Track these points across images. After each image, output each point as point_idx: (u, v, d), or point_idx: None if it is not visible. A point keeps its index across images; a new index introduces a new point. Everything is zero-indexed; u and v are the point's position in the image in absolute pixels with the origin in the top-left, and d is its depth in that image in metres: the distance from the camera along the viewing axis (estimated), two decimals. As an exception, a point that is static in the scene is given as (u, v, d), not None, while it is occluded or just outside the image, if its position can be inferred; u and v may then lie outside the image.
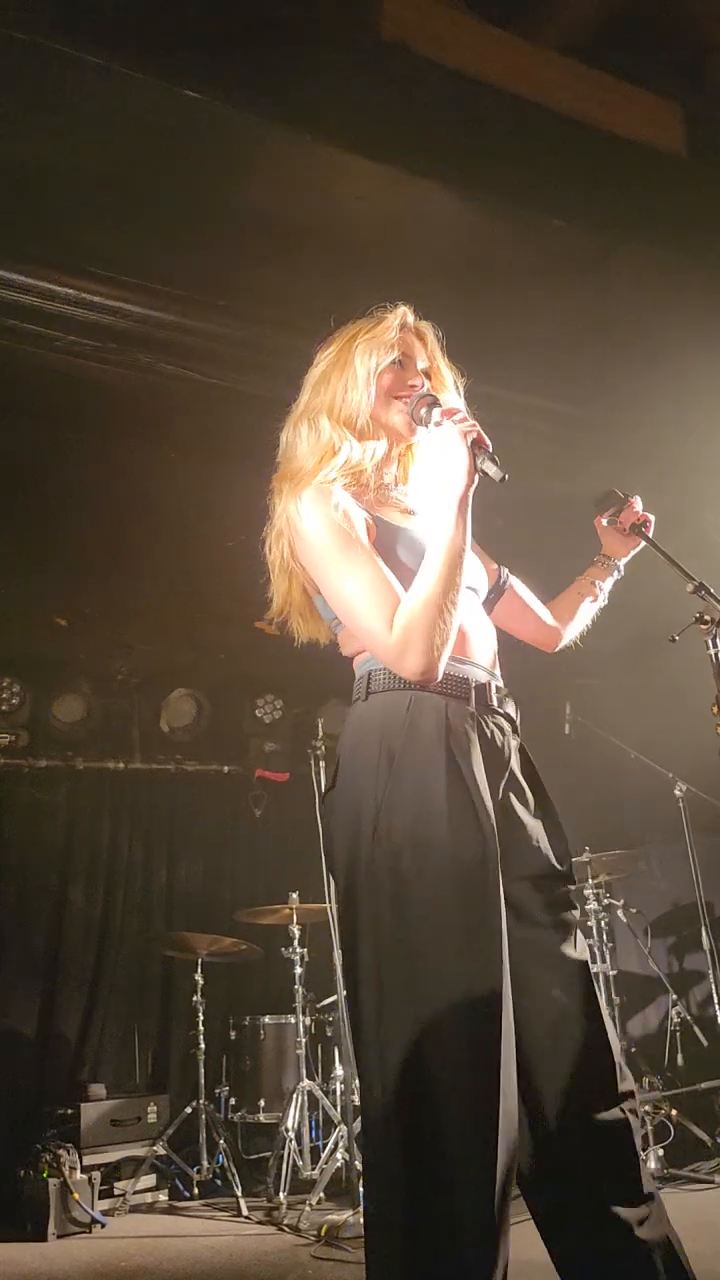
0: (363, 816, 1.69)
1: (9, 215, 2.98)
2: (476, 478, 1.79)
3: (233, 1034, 5.09)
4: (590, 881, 4.92)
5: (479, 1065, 1.56)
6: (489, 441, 1.80)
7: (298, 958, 4.77)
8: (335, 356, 1.94)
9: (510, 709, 1.90)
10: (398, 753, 1.70)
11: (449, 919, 1.62)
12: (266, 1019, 5.00)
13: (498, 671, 1.92)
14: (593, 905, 4.89)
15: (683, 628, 2.29)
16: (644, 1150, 4.15)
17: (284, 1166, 4.31)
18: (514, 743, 1.88)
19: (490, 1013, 1.58)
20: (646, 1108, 4.32)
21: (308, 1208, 4.01)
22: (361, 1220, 3.67)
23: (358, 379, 1.87)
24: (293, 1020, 4.72)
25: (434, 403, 1.87)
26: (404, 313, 1.96)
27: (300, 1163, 4.39)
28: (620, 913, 4.94)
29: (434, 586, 1.71)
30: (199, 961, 4.95)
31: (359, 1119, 4.27)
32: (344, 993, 4.01)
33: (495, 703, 1.85)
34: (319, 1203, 4.08)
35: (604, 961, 4.81)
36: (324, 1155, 4.34)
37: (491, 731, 1.82)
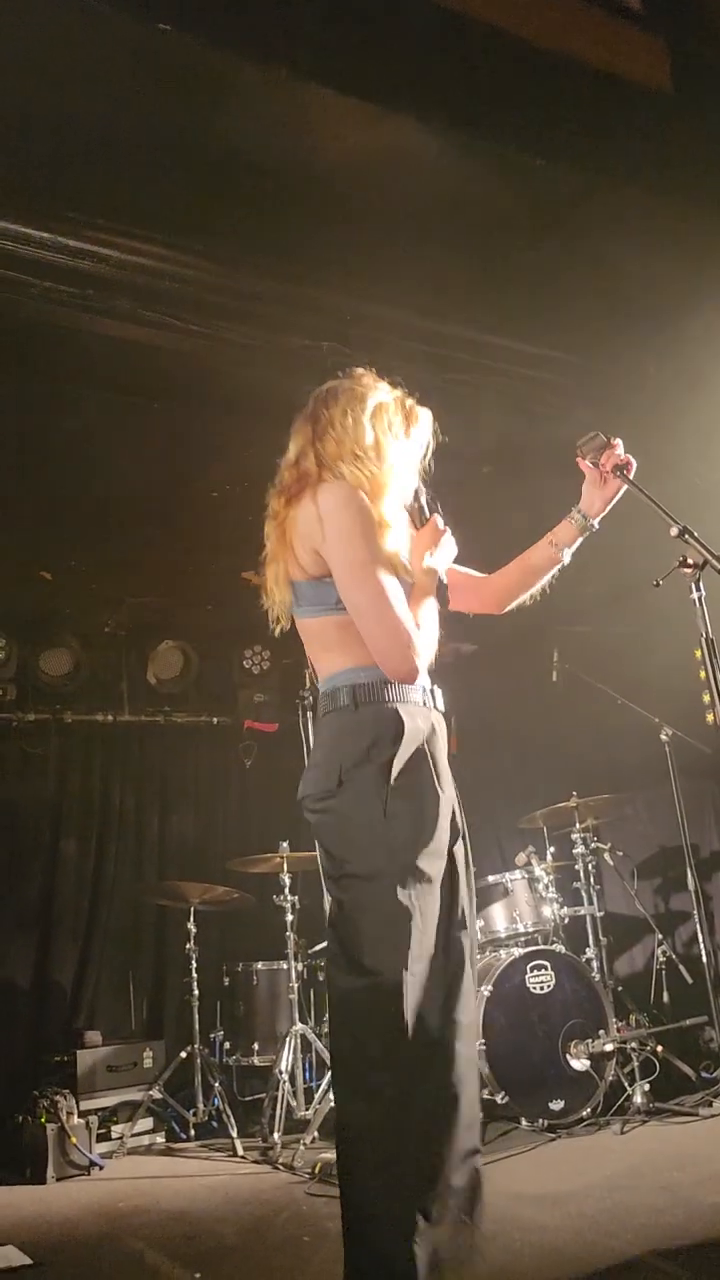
0: (373, 821, 1.95)
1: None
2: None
3: (226, 980, 5.17)
4: (578, 825, 4.98)
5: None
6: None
7: (289, 905, 4.83)
8: (380, 407, 2.21)
9: (441, 703, 2.18)
10: (395, 762, 1.97)
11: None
12: (259, 965, 5.07)
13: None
14: (580, 849, 4.95)
15: (667, 572, 2.30)
16: (631, 1085, 4.28)
17: (278, 1107, 4.40)
18: (443, 731, 2.17)
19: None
20: (633, 1044, 4.42)
21: (302, 1147, 4.10)
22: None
23: (394, 451, 2.17)
24: (284, 966, 4.79)
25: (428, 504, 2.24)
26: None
27: (294, 1103, 4.48)
28: (607, 855, 5.00)
29: (432, 618, 2.09)
30: (191, 910, 5.00)
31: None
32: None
33: (435, 703, 2.15)
34: (312, 1142, 4.17)
35: (591, 903, 4.89)
36: (317, 1096, 4.43)
37: (438, 727, 2.13)
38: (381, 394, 2.23)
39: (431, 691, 2.14)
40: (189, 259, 3.36)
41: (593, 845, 4.98)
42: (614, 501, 2.31)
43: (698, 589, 2.20)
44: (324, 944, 4.59)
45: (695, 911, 4.83)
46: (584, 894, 4.93)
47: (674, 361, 3.68)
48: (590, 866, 4.97)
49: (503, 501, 4.61)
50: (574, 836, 4.99)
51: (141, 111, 2.89)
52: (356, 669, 2.05)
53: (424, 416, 2.27)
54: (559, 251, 3.42)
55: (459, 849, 2.10)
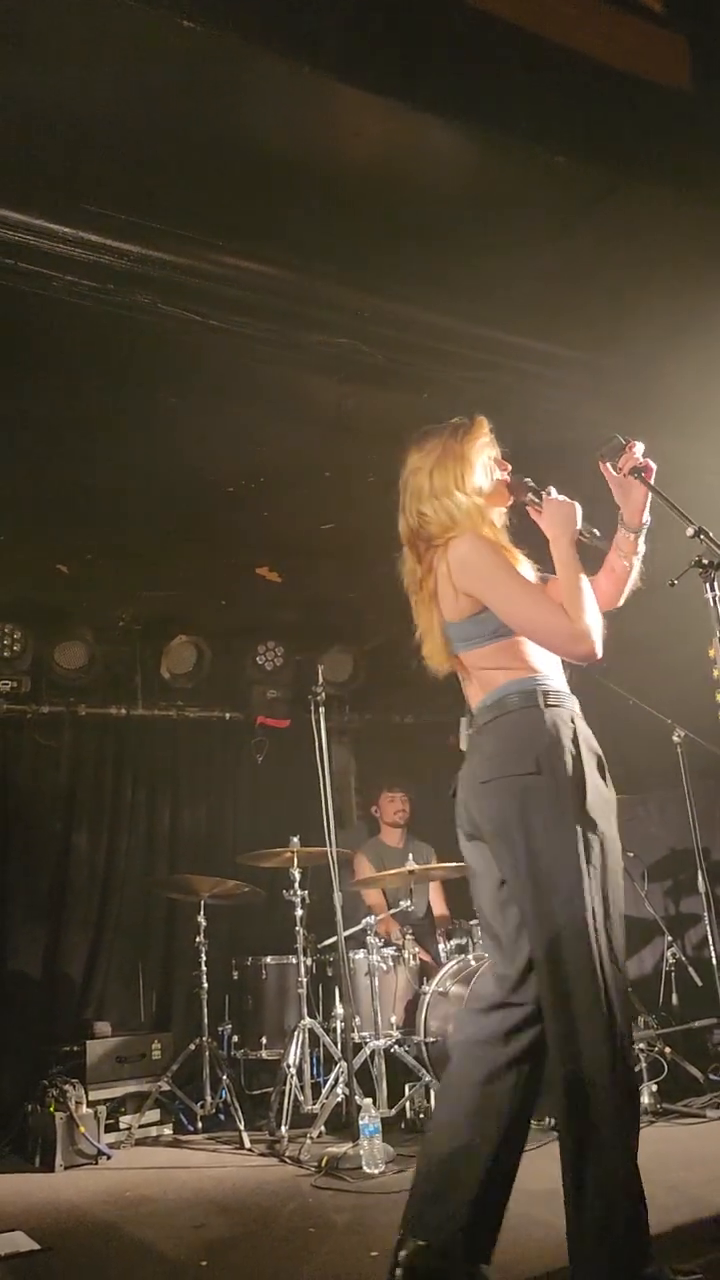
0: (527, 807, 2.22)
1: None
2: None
3: (235, 974, 5.19)
4: (588, 826, 4.96)
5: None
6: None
7: (299, 900, 4.84)
8: (443, 450, 2.51)
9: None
10: (544, 762, 2.24)
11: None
12: (268, 959, 5.09)
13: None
14: (590, 849, 4.93)
15: (681, 572, 2.30)
16: (640, 1086, 4.27)
17: (285, 1101, 4.41)
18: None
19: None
20: (641, 1045, 4.41)
21: (308, 1141, 4.12)
22: (359, 1152, 3.78)
23: (473, 466, 2.47)
24: (294, 960, 4.81)
25: (533, 486, 2.48)
26: (481, 419, 2.55)
27: (301, 1098, 4.49)
28: (617, 857, 4.98)
29: (581, 593, 2.27)
30: (201, 903, 5.02)
31: (358, 1055, 4.37)
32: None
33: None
34: (319, 1136, 4.19)
35: (601, 904, 4.87)
36: (324, 1091, 4.44)
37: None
38: (442, 437, 2.52)
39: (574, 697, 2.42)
40: (207, 254, 3.36)
41: (603, 845, 4.97)
42: (646, 505, 2.38)
43: (713, 589, 2.20)
44: (333, 939, 4.62)
45: (706, 914, 4.82)
46: (594, 894, 4.91)
47: (694, 361, 3.66)
48: (600, 867, 4.96)
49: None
50: (585, 836, 4.97)
51: (161, 105, 2.89)
52: (521, 679, 2.34)
53: (475, 425, 2.52)
54: (580, 250, 3.41)
55: None
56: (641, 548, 2.46)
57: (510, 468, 2.54)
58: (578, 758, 2.25)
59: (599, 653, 2.24)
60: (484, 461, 2.51)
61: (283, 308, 3.54)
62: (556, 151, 3.08)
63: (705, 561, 2.18)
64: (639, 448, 2.34)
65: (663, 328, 3.57)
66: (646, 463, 2.34)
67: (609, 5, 3.27)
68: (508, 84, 3.10)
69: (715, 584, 2.20)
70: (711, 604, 2.17)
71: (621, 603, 2.56)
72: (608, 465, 2.39)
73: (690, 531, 2.23)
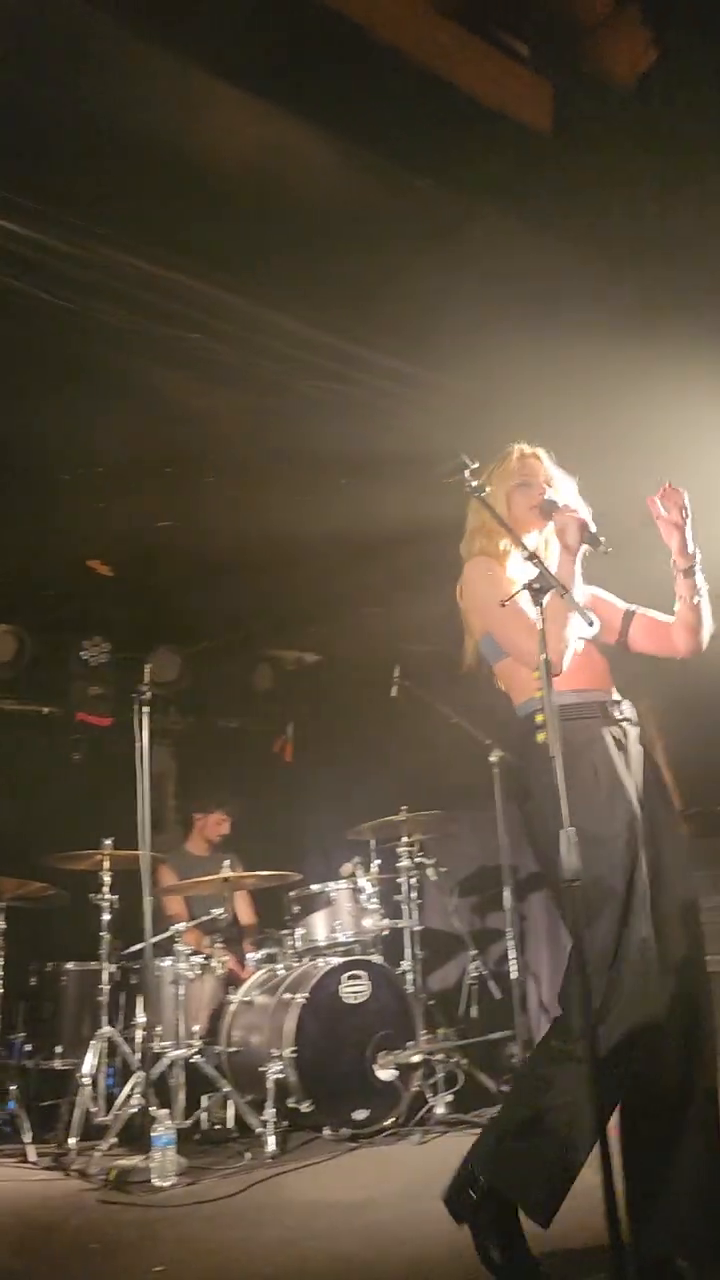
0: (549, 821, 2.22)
1: None
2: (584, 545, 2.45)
3: (33, 980, 4.98)
4: (404, 840, 5.06)
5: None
6: (592, 525, 2.46)
7: (107, 904, 4.70)
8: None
9: (630, 713, 2.55)
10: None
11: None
12: (70, 965, 4.91)
13: (614, 691, 2.58)
14: (405, 863, 5.03)
15: (514, 592, 2.36)
16: (434, 1097, 4.35)
17: (77, 1112, 4.26)
18: (634, 734, 2.52)
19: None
20: (439, 1057, 4.50)
21: (98, 1153, 3.99)
22: (150, 1165, 3.68)
23: (495, 501, 2.57)
24: (96, 967, 4.65)
25: (553, 501, 2.53)
26: (519, 448, 2.69)
27: (94, 1109, 4.34)
28: (430, 871, 5.09)
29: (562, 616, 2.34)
30: (2, 906, 4.80)
31: (157, 1065, 4.27)
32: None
33: (617, 715, 2.52)
34: (110, 1148, 4.06)
35: (411, 917, 4.96)
36: (119, 1101, 4.31)
37: (617, 735, 2.48)
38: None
39: (605, 705, 2.52)
40: (64, 233, 3.25)
41: (417, 860, 5.07)
42: (684, 545, 2.50)
43: (540, 609, 2.26)
44: (139, 945, 4.50)
45: (509, 930, 4.98)
46: (404, 907, 5.00)
47: (536, 391, 3.79)
48: (413, 881, 5.05)
49: (355, 514, 4.66)
50: (399, 850, 5.06)
51: (28, 80, 2.79)
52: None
53: (501, 458, 2.68)
54: (435, 273, 3.49)
55: None
56: (702, 584, 2.52)
57: (545, 492, 2.56)
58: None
59: (558, 671, 2.31)
60: (505, 491, 2.61)
61: (137, 296, 3.45)
62: (420, 175, 3.15)
63: (535, 585, 2.25)
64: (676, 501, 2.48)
65: (510, 356, 3.69)
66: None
67: (484, 42, 3.37)
68: (380, 103, 3.15)
69: (542, 605, 2.27)
70: (538, 624, 2.24)
71: (704, 646, 2.60)
72: (656, 505, 2.49)
73: (524, 555, 2.30)
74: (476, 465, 2.41)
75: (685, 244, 3.62)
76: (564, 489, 2.62)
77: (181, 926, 4.68)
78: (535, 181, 3.37)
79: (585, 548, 2.42)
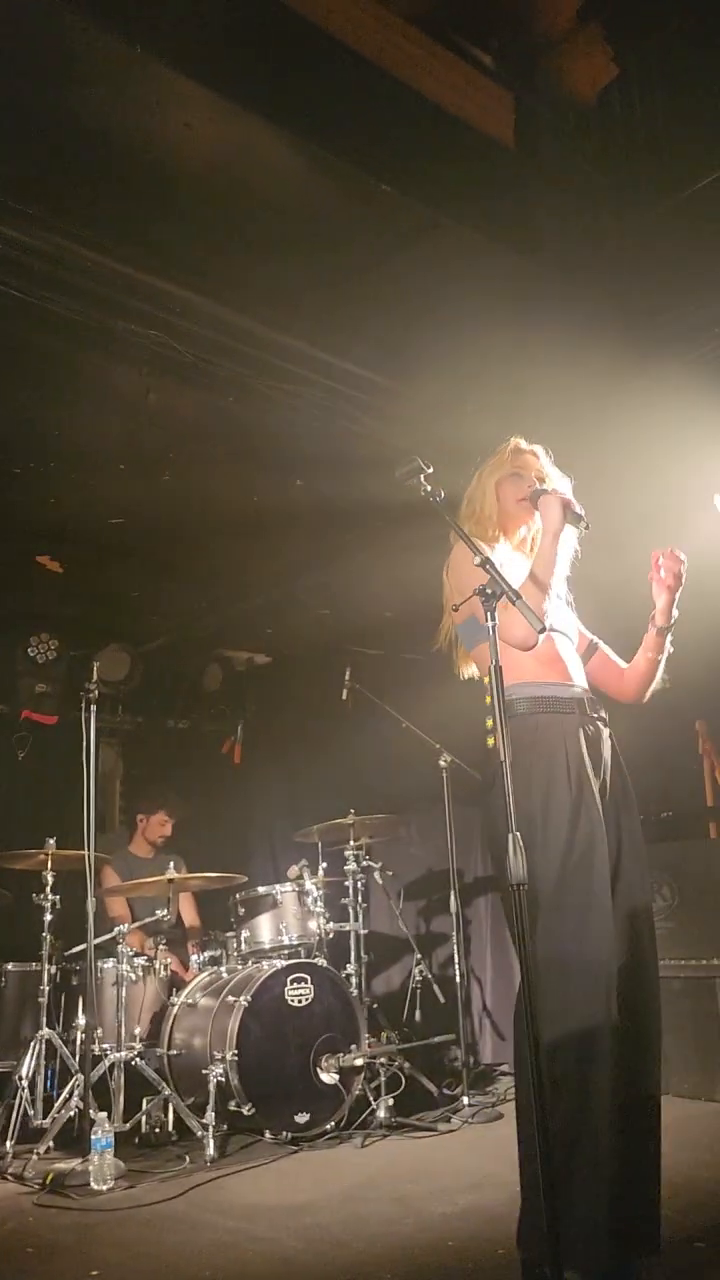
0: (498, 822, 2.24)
1: None
2: (566, 524, 2.54)
3: (-29, 981, 4.89)
4: (352, 843, 5.06)
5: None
6: (576, 505, 2.55)
7: (49, 905, 4.64)
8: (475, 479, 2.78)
9: (602, 712, 2.59)
10: (530, 766, 2.40)
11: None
12: (10, 966, 4.83)
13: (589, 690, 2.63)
14: (352, 866, 5.03)
15: (464, 599, 2.38)
16: (376, 1100, 4.36)
17: (14, 1116, 4.20)
18: (606, 733, 2.56)
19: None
20: (382, 1060, 4.51)
21: (35, 1156, 3.94)
22: (88, 1168, 3.64)
23: (484, 492, 2.71)
24: (38, 968, 4.59)
25: (541, 489, 2.60)
26: (516, 441, 2.77)
27: (31, 1112, 4.28)
28: (377, 874, 5.10)
29: (539, 589, 2.44)
30: (-59, 905, 4.72)
31: (97, 1067, 4.22)
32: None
33: (593, 712, 2.56)
34: (47, 1151, 4.01)
35: (357, 920, 4.96)
36: (57, 1104, 4.26)
37: (590, 732, 2.52)
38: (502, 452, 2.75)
39: (581, 701, 2.56)
40: (24, 225, 3.20)
41: (364, 863, 5.07)
42: (670, 607, 2.60)
43: (491, 618, 2.28)
44: (81, 946, 4.45)
45: (454, 934, 5.00)
46: (351, 910, 5.00)
47: (493, 401, 3.81)
48: (360, 884, 5.06)
49: (310, 517, 4.66)
50: (347, 853, 5.06)
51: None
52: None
53: (495, 453, 2.75)
54: (395, 280, 3.50)
55: None
56: (668, 648, 2.61)
57: (534, 486, 2.63)
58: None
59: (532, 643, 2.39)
60: (495, 481, 2.70)
61: (96, 291, 3.42)
62: (383, 180, 3.15)
63: (487, 590, 2.26)
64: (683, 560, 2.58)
65: (467, 365, 3.71)
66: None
67: (449, 52, 3.39)
68: (346, 108, 3.15)
69: (493, 614, 2.28)
70: (490, 632, 2.25)
71: (647, 698, 2.71)
72: (659, 563, 2.57)
73: (476, 561, 2.31)
74: (432, 469, 2.42)
75: (640, 263, 3.67)
76: (558, 487, 2.66)
77: (125, 928, 4.63)
78: (496, 192, 3.40)
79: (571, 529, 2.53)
